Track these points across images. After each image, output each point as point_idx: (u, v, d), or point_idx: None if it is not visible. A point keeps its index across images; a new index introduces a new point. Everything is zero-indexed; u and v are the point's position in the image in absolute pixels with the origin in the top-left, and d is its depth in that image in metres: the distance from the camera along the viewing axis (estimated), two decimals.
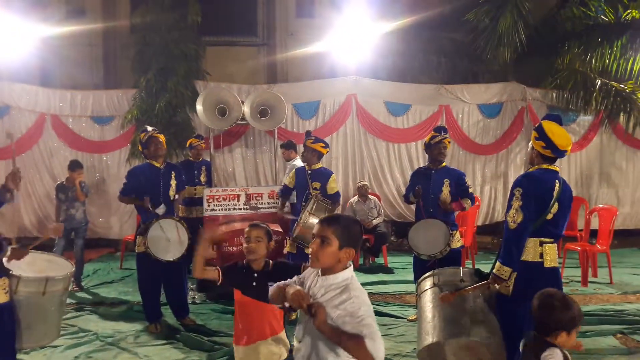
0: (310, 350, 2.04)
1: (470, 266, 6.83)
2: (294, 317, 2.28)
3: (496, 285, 3.07)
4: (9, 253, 3.23)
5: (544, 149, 3.08)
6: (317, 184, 5.18)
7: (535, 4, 8.42)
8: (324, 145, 5.25)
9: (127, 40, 9.63)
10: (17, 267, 3.35)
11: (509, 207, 3.07)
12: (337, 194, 5.24)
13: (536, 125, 3.21)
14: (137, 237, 4.81)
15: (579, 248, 6.48)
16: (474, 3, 8.44)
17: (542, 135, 3.09)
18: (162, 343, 4.62)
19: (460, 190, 4.76)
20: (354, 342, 1.88)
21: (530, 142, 3.21)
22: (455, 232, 4.75)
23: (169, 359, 4.27)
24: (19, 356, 3.54)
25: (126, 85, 8.89)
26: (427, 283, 3.34)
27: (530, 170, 3.17)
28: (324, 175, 5.24)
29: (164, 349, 4.48)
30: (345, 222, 2.11)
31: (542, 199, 3.03)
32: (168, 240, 4.73)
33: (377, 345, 1.90)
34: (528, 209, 2.98)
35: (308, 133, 5.45)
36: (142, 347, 4.51)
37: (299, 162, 6.94)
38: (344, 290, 2.00)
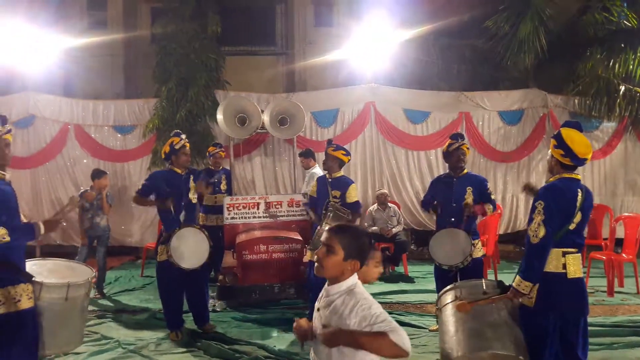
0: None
1: (493, 276, 6.76)
2: None
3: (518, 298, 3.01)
4: (42, 230, 3.26)
5: (563, 157, 2.99)
6: (337, 193, 5.16)
7: (557, 9, 8.35)
8: (345, 153, 5.25)
9: (147, 50, 9.80)
10: (40, 275, 3.38)
11: (530, 220, 2.99)
12: (356, 203, 5.21)
13: (555, 133, 3.12)
14: (159, 246, 4.82)
15: (604, 257, 6.34)
16: (494, 10, 8.40)
17: (560, 142, 3.00)
18: (183, 351, 4.63)
19: (483, 196, 4.70)
20: (378, 341, 1.88)
21: (550, 150, 3.13)
22: (477, 241, 4.69)
23: None
24: None
25: (146, 94, 9.02)
26: (449, 296, 3.29)
27: (552, 180, 3.08)
28: (344, 184, 5.22)
29: (185, 357, 4.50)
30: (354, 233, 2.11)
31: (567, 210, 2.95)
32: (190, 248, 4.76)
33: (403, 336, 1.91)
34: (551, 223, 2.89)
35: (330, 141, 5.45)
36: (163, 355, 4.53)
37: (317, 171, 6.95)
38: (349, 295, 2.02)
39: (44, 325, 3.32)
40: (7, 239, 2.98)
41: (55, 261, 3.77)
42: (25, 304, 3.17)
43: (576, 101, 8.45)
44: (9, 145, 3.21)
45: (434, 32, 8.63)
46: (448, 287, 3.35)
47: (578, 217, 2.97)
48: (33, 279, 3.25)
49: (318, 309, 2.13)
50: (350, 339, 1.92)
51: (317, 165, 7.19)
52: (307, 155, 7.31)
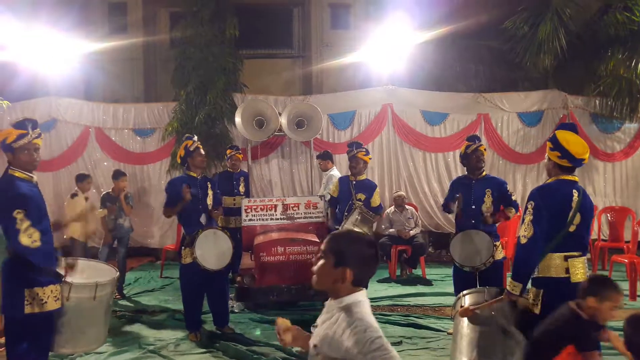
0: None
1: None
2: None
3: (521, 302, 2.99)
4: (63, 264, 3.35)
5: (560, 159, 3.00)
6: (362, 196, 5.19)
7: (577, 9, 8.22)
8: (370, 156, 5.34)
9: (166, 54, 9.92)
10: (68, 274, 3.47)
11: (522, 221, 2.99)
12: (380, 206, 5.27)
13: (550, 136, 3.14)
14: (183, 249, 4.87)
15: (626, 260, 6.23)
16: (512, 11, 8.31)
17: (556, 145, 3.01)
18: (202, 352, 4.68)
19: (504, 199, 4.66)
20: None
21: (546, 153, 3.12)
22: (498, 242, 4.66)
23: None
24: None
25: (165, 98, 9.13)
26: (458, 304, 3.36)
27: (548, 182, 3.09)
28: (370, 188, 5.28)
29: (204, 358, 4.55)
30: (350, 239, 1.91)
31: (559, 211, 2.93)
32: (214, 249, 4.83)
33: None
34: (539, 223, 2.88)
35: (359, 145, 5.47)
36: (183, 355, 4.58)
37: (336, 172, 6.96)
38: (346, 313, 1.80)
39: (72, 324, 3.40)
40: (39, 243, 3.06)
41: (81, 261, 3.84)
42: (52, 305, 3.25)
43: (597, 102, 8.31)
44: (38, 150, 3.32)
45: (451, 34, 8.57)
46: (464, 291, 3.37)
47: (577, 219, 2.94)
48: (63, 279, 3.33)
49: (315, 325, 1.95)
50: None
51: (334, 167, 7.21)
52: (325, 157, 7.32)
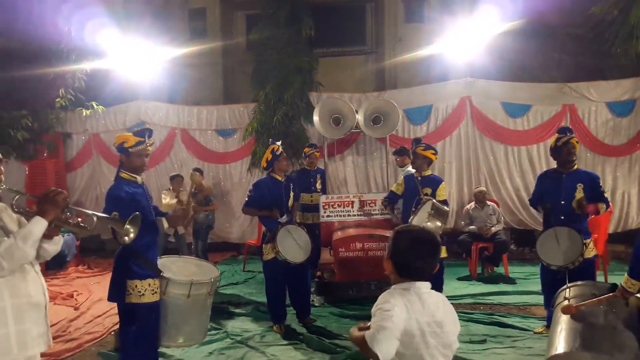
0: None
1: (602, 277, 6.33)
2: None
3: (630, 299, 2.83)
4: (167, 225, 3.61)
5: None
6: (428, 190, 5.15)
7: None
8: (434, 152, 5.25)
9: (243, 57, 10.25)
10: (169, 270, 3.69)
11: None
12: (445, 201, 5.17)
13: None
14: (264, 245, 5.05)
15: None
16: None
17: None
18: (286, 344, 4.83)
19: (596, 194, 4.43)
20: (362, 341, 1.86)
21: None
22: (588, 240, 4.44)
23: (294, 359, 4.45)
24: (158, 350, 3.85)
25: (243, 99, 9.44)
26: (560, 297, 3.22)
27: None
28: (435, 182, 5.22)
29: (289, 350, 4.68)
30: (396, 235, 2.10)
31: None
32: (294, 244, 4.99)
33: (378, 339, 1.83)
34: None
35: (418, 140, 5.44)
36: (269, 346, 4.75)
37: (412, 169, 6.91)
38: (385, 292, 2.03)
39: (168, 319, 3.61)
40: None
41: (185, 258, 4.12)
42: (149, 298, 3.49)
43: None
44: (148, 155, 3.65)
45: (532, 22, 8.20)
46: (565, 286, 3.23)
47: None
48: (162, 274, 3.57)
49: None
50: (354, 337, 1.94)
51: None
52: (402, 153, 7.30)
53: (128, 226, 2.81)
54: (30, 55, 8.54)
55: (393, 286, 2.06)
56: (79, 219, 2.69)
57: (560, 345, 2.87)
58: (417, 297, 1.98)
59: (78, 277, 7.66)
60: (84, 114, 8.86)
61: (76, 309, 6.04)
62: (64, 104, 8.81)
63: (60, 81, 8.78)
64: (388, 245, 2.10)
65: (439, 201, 5.06)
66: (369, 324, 1.95)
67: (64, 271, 7.87)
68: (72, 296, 6.51)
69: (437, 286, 5.01)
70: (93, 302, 6.31)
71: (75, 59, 8.64)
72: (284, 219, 5.10)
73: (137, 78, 9.06)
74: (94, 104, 8.86)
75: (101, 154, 9.39)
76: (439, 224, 4.69)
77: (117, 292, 3.53)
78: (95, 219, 2.63)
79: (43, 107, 9.07)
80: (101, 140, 9.39)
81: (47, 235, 2.43)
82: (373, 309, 1.98)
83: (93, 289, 6.94)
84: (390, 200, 5.66)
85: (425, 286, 2.03)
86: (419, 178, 5.23)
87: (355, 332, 1.98)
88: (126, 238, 2.83)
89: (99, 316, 5.76)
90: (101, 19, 8.19)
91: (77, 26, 8.38)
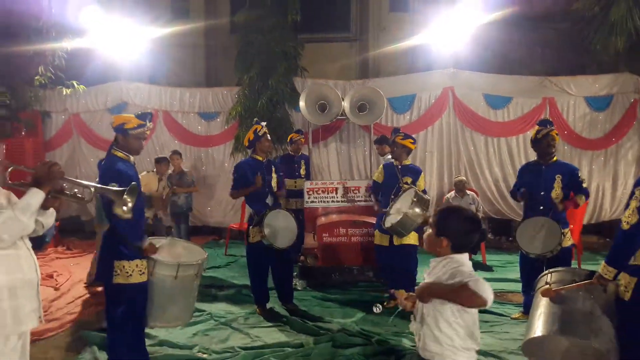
0: (421, 326, 2.36)
1: (576, 266, 6.54)
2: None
3: (609, 287, 2.94)
4: (147, 244, 3.60)
5: None
6: (408, 179, 5.21)
7: None
8: (412, 141, 5.32)
9: (227, 39, 10.13)
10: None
11: (627, 206, 2.89)
12: (424, 190, 5.26)
13: None
14: (251, 228, 5.07)
15: None
16: None
17: None
18: (270, 325, 4.91)
19: (574, 185, 4.58)
20: (459, 290, 2.15)
21: None
22: (566, 230, 4.60)
23: (278, 340, 4.52)
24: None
25: (226, 82, 9.36)
26: (541, 281, 3.31)
27: None
28: (416, 172, 5.29)
29: (273, 331, 4.76)
30: (447, 214, 2.38)
31: None
32: (281, 229, 5.02)
33: (483, 286, 2.13)
34: None
35: (397, 130, 5.53)
36: (253, 328, 4.83)
37: None
38: (447, 264, 2.31)
39: (154, 299, 3.63)
40: (130, 215, 3.31)
41: (173, 240, 4.11)
42: (136, 278, 3.51)
43: None
44: (145, 139, 3.72)
45: (517, 15, 8.32)
46: (546, 271, 3.34)
47: None
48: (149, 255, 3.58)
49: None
50: (436, 291, 2.24)
51: None
52: (382, 142, 7.35)
53: (126, 196, 2.81)
54: (9, 32, 8.29)
55: (447, 257, 2.33)
56: (75, 190, 2.69)
57: (539, 328, 2.98)
58: (467, 262, 2.34)
59: (57, 258, 7.58)
60: (64, 92, 8.67)
61: (56, 289, 6.01)
62: (43, 82, 8.59)
63: (40, 59, 8.54)
64: (435, 224, 2.35)
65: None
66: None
67: (42, 252, 7.76)
68: (51, 276, 6.46)
69: (411, 272, 5.15)
70: (74, 282, 6.28)
71: (56, 36, 8.40)
72: (269, 199, 5.13)
73: (119, 58, 8.88)
74: (74, 83, 8.68)
75: (81, 134, 9.24)
76: (419, 211, 4.76)
77: (104, 272, 3.53)
78: (92, 189, 2.64)
79: (21, 84, 8.86)
80: (81, 120, 9.24)
81: (44, 206, 2.47)
82: (441, 275, 2.30)
83: (73, 270, 6.89)
84: (375, 189, 5.72)
85: (467, 257, 2.36)
86: (399, 167, 5.29)
87: (424, 290, 2.32)
88: (124, 208, 2.84)
89: (80, 297, 5.74)
90: None
91: (58, 3, 8.17)
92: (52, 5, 8.29)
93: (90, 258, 6.49)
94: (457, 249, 2.32)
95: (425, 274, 2.43)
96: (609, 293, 2.99)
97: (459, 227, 2.30)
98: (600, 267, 2.98)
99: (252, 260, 5.20)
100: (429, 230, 2.40)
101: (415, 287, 2.38)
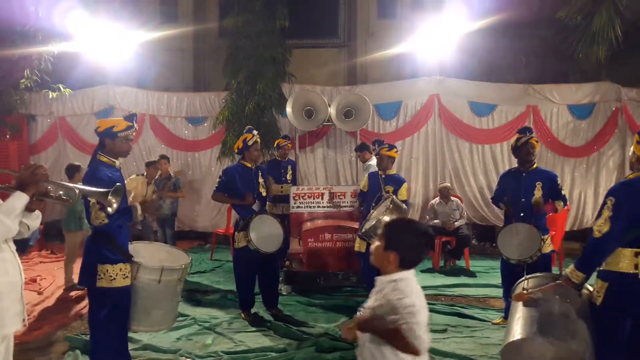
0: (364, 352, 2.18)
1: (557, 272, 6.63)
2: None
3: (583, 292, 3.00)
4: (140, 212, 3.60)
5: None
6: (390, 188, 5.29)
7: None
8: (396, 150, 5.47)
9: (215, 44, 10.16)
10: (140, 255, 3.69)
11: (599, 215, 2.90)
12: (406, 201, 5.32)
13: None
14: (237, 233, 5.07)
15: None
16: (565, 0, 8.13)
17: None
18: (254, 330, 4.90)
19: (554, 192, 4.67)
20: (393, 333, 1.99)
21: (632, 147, 3.05)
22: (546, 236, 4.66)
23: (262, 345, 4.53)
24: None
25: (214, 87, 9.39)
26: (519, 287, 3.37)
27: (630, 177, 2.94)
28: (398, 182, 5.38)
29: (257, 336, 4.76)
30: (400, 226, 2.21)
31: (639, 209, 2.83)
32: (267, 234, 5.02)
33: (415, 333, 1.98)
34: (617, 221, 2.78)
35: (381, 142, 5.58)
36: (237, 333, 4.82)
37: (375, 162, 7.06)
38: (391, 286, 2.10)
39: (138, 303, 3.61)
40: (106, 221, 3.32)
41: (157, 245, 4.13)
42: (120, 282, 3.50)
43: None
44: (130, 141, 3.64)
45: (502, 23, 8.45)
46: (522, 278, 3.39)
47: None
48: (133, 259, 3.58)
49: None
50: (373, 328, 2.07)
51: (374, 157, 7.29)
52: (362, 149, 7.40)
53: (111, 197, 2.82)
54: None
55: (393, 276, 2.13)
56: (60, 192, 2.70)
57: (517, 332, 3.03)
58: (414, 284, 2.15)
59: (41, 262, 7.54)
60: (50, 96, 8.64)
61: (40, 293, 5.97)
62: (28, 85, 8.55)
63: (25, 62, 8.50)
64: (384, 237, 2.16)
65: (400, 200, 5.22)
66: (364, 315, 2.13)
67: (26, 256, 7.70)
68: (35, 281, 6.41)
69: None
70: (57, 287, 6.24)
71: (42, 40, 8.38)
72: (256, 205, 5.15)
73: (106, 62, 8.87)
74: (60, 86, 8.65)
75: (67, 137, 9.20)
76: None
77: (88, 276, 3.53)
78: (77, 191, 2.65)
79: (6, 87, 8.80)
80: (67, 124, 9.20)
81: (29, 208, 2.48)
82: (384, 304, 2.08)
83: (57, 274, 6.84)
84: (361, 197, 5.78)
85: (413, 274, 2.19)
86: (383, 176, 5.39)
87: (361, 322, 2.11)
88: (109, 209, 2.84)
89: (64, 301, 5.71)
90: (70, 0, 7.98)
91: (44, 7, 8.14)
92: (38, 9, 8.26)
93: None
94: (405, 266, 2.14)
95: (372, 294, 2.23)
96: (583, 297, 3.05)
97: (411, 242, 2.13)
98: (568, 269, 3.02)
99: (238, 265, 5.21)
100: (376, 243, 2.20)
101: (356, 316, 2.19)
